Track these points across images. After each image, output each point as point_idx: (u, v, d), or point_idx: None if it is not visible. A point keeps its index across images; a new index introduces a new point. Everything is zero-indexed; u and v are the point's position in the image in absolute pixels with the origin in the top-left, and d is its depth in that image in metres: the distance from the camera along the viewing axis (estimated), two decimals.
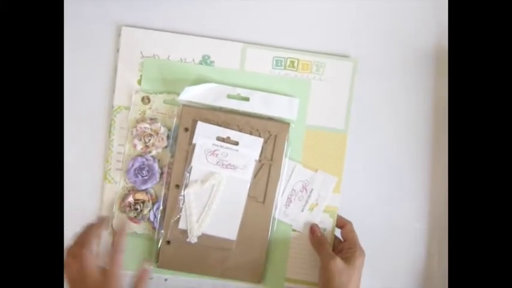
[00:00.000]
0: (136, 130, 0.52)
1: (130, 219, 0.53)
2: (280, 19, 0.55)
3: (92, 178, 0.54)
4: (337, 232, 0.54)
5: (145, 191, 0.53)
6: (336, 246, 0.53)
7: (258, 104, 0.53)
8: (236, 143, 0.52)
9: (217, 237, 0.52)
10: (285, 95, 0.53)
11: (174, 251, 0.52)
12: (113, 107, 0.53)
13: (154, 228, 0.53)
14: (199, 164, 0.52)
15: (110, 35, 0.54)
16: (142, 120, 0.52)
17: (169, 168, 0.52)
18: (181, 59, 0.53)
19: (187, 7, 0.54)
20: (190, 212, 0.52)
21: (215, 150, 0.51)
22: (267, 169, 0.53)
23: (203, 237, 0.52)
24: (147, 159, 0.52)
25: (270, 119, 0.53)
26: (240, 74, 0.54)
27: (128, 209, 0.52)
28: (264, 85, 0.54)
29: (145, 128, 0.52)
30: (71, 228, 0.53)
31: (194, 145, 0.52)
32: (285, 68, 0.54)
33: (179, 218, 0.52)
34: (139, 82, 0.53)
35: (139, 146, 0.52)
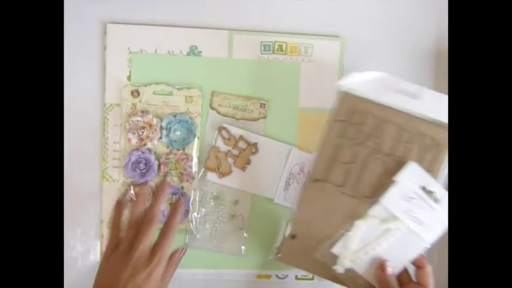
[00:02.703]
0: (129, 124, 0.52)
1: None
2: (264, 3, 0.55)
3: (90, 178, 0.54)
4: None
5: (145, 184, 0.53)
6: (403, 283, 0.47)
7: (428, 104, 0.45)
8: (436, 200, 0.45)
9: (363, 278, 0.47)
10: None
11: (298, 247, 0.47)
12: (104, 105, 0.53)
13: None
14: (388, 202, 0.46)
15: (96, 33, 0.53)
16: (134, 113, 0.52)
17: (165, 158, 0.52)
18: (168, 52, 0.53)
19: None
20: (353, 243, 0.46)
21: (412, 198, 0.45)
22: None
23: (349, 271, 0.47)
24: (142, 152, 0.52)
25: (437, 123, 0.46)
26: (229, 62, 0.54)
27: (129, 203, 0.52)
28: (253, 71, 0.54)
29: (137, 121, 0.52)
30: (71, 230, 0.54)
31: (394, 182, 0.46)
32: (273, 53, 0.54)
33: (335, 240, 0.47)
34: (128, 78, 0.53)
35: (134, 140, 0.52)
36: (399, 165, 0.46)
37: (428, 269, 0.46)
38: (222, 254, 0.55)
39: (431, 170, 0.46)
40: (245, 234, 0.54)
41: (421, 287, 0.45)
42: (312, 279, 0.56)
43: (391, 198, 0.45)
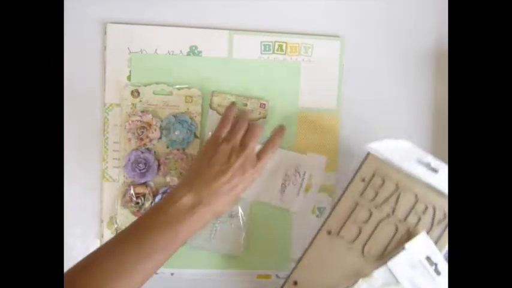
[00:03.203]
0: (129, 124, 0.52)
1: (134, 213, 0.53)
2: (264, 3, 0.55)
3: (90, 178, 0.54)
4: None
5: (145, 184, 0.53)
6: None
7: (445, 180, 0.47)
8: (438, 272, 0.46)
9: None
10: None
11: None
12: (104, 105, 0.53)
13: None
14: (394, 267, 0.47)
15: (96, 33, 0.53)
16: (134, 113, 0.52)
17: (165, 158, 0.52)
18: (168, 52, 0.53)
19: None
20: None
21: (417, 268, 0.47)
22: None
23: None
24: (142, 152, 0.52)
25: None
26: (229, 62, 0.54)
27: (129, 203, 0.52)
28: (253, 71, 0.54)
29: (137, 121, 0.52)
30: (71, 230, 0.54)
31: (403, 249, 0.47)
32: (273, 52, 0.54)
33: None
34: (128, 78, 0.53)
35: (134, 140, 0.52)
36: (409, 233, 0.48)
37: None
38: (222, 254, 0.55)
39: (437, 242, 0.47)
40: (244, 234, 0.54)
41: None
42: None
43: (397, 264, 0.47)
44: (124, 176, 0.53)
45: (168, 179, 0.53)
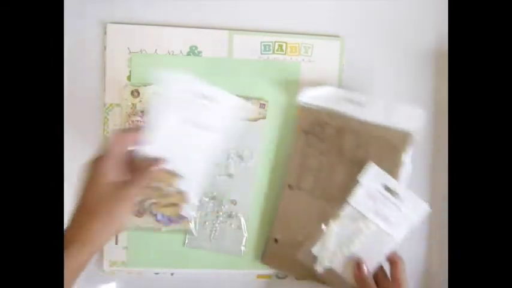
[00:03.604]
0: (129, 124, 0.52)
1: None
2: (264, 3, 0.55)
3: None
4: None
5: None
6: (380, 283, 0.50)
7: (378, 112, 0.51)
8: (400, 199, 0.49)
9: (342, 277, 0.51)
10: (407, 103, 0.51)
11: (280, 250, 0.52)
12: (104, 105, 0.53)
13: (158, 221, 0.53)
14: (355, 202, 0.50)
15: (96, 33, 0.53)
16: (134, 113, 0.52)
17: None
18: (168, 52, 0.53)
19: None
20: (330, 243, 0.50)
21: (377, 198, 0.49)
22: None
23: (329, 270, 0.51)
24: None
25: (390, 128, 0.51)
26: (229, 62, 0.54)
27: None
28: (253, 71, 0.54)
29: (137, 121, 0.52)
30: None
31: (358, 183, 0.50)
32: (273, 53, 0.54)
33: (314, 241, 0.51)
34: (128, 78, 0.53)
35: None
36: (361, 168, 0.50)
37: (401, 264, 0.49)
38: (222, 254, 0.55)
39: (391, 171, 0.50)
40: (245, 234, 0.54)
41: (396, 281, 0.48)
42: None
43: (358, 199, 0.50)
44: None
45: None
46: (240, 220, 0.54)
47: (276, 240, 0.52)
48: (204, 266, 0.55)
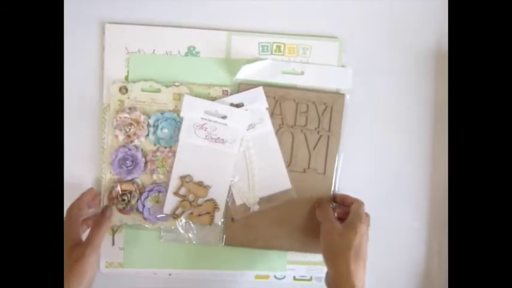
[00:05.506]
0: (116, 120, 0.52)
1: (120, 210, 0.53)
2: (263, 4, 0.55)
3: (89, 178, 0.54)
4: None
5: (132, 181, 0.53)
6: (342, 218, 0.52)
7: (312, 77, 0.54)
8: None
9: (275, 194, 0.54)
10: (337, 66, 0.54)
11: (239, 227, 0.54)
12: (102, 105, 0.53)
13: (145, 218, 0.53)
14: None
15: (94, 33, 0.54)
16: (122, 110, 0.52)
17: (152, 156, 0.53)
18: (166, 52, 0.53)
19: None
20: (240, 185, 0.53)
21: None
22: (325, 140, 0.54)
23: (262, 201, 0.53)
24: (129, 149, 0.52)
25: (325, 91, 0.54)
26: (227, 63, 0.54)
27: (115, 200, 0.52)
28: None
29: (125, 117, 0.52)
30: None
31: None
32: (271, 53, 0.54)
33: (232, 197, 0.53)
34: (126, 78, 0.53)
35: (121, 137, 0.52)
36: (304, 133, 0.54)
37: (359, 203, 0.50)
38: (219, 253, 0.55)
39: (332, 130, 0.54)
40: (222, 220, 0.53)
41: (353, 212, 0.49)
42: (310, 280, 0.56)
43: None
44: (111, 172, 0.53)
45: (154, 176, 0.53)
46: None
47: (232, 219, 0.54)
48: (202, 267, 0.55)
